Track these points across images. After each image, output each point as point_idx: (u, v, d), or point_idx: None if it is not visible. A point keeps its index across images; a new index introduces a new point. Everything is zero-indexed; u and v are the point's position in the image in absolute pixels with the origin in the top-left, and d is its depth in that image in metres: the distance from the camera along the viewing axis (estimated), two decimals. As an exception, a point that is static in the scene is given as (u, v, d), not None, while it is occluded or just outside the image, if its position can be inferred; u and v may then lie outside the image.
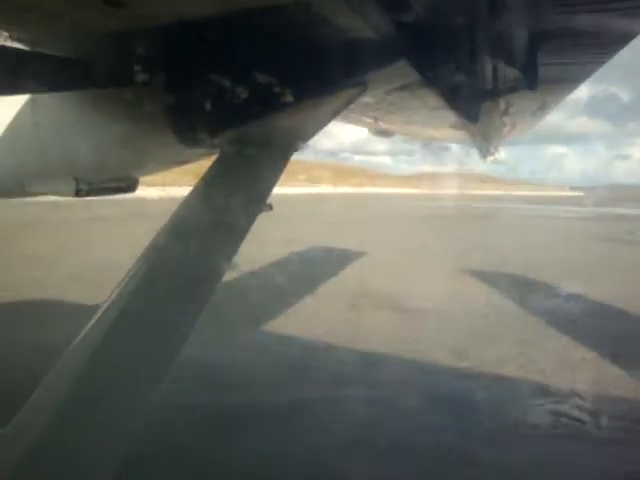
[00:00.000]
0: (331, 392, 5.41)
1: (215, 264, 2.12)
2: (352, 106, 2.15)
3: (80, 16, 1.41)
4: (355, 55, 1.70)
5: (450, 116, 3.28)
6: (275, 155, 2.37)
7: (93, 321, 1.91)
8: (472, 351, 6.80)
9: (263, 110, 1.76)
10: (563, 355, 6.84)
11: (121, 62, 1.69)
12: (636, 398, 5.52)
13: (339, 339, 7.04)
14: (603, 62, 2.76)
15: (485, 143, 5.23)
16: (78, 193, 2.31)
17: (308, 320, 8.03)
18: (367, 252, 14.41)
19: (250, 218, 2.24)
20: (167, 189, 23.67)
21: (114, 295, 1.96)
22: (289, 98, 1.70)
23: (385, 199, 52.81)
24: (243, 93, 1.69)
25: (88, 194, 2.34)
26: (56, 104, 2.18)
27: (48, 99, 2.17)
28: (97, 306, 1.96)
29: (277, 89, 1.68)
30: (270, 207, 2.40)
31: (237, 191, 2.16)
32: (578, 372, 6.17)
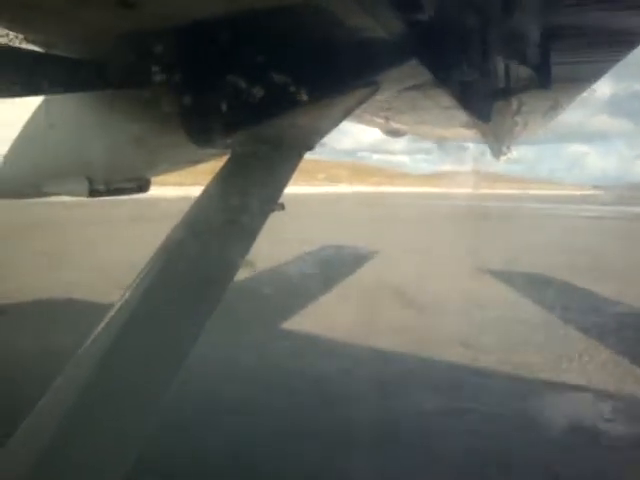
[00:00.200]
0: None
1: (227, 263, 2.13)
2: (364, 106, 2.14)
3: (94, 18, 1.42)
4: (367, 55, 1.70)
5: (462, 116, 3.27)
6: (287, 155, 2.38)
7: (105, 320, 1.93)
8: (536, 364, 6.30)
9: (275, 110, 1.76)
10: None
11: (134, 63, 1.70)
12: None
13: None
14: (617, 60, 2.73)
15: (497, 142, 5.20)
16: (92, 193, 2.33)
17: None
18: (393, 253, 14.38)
19: (262, 217, 2.25)
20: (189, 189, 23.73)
21: (127, 294, 1.98)
22: (301, 98, 1.70)
23: (409, 197, 53.19)
24: (255, 93, 1.69)
25: (102, 194, 2.36)
26: (70, 105, 2.20)
27: (62, 100, 2.19)
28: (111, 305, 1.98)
29: (289, 89, 1.69)
30: (282, 207, 2.40)
31: (249, 191, 2.17)
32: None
